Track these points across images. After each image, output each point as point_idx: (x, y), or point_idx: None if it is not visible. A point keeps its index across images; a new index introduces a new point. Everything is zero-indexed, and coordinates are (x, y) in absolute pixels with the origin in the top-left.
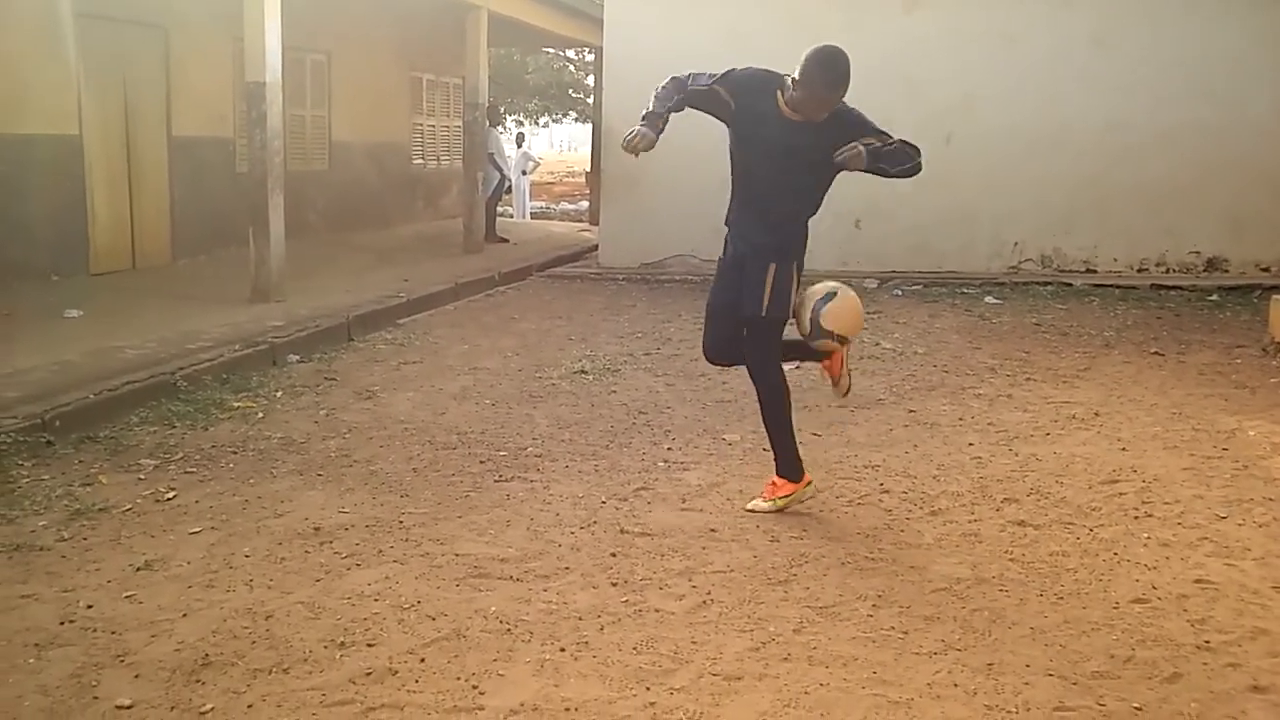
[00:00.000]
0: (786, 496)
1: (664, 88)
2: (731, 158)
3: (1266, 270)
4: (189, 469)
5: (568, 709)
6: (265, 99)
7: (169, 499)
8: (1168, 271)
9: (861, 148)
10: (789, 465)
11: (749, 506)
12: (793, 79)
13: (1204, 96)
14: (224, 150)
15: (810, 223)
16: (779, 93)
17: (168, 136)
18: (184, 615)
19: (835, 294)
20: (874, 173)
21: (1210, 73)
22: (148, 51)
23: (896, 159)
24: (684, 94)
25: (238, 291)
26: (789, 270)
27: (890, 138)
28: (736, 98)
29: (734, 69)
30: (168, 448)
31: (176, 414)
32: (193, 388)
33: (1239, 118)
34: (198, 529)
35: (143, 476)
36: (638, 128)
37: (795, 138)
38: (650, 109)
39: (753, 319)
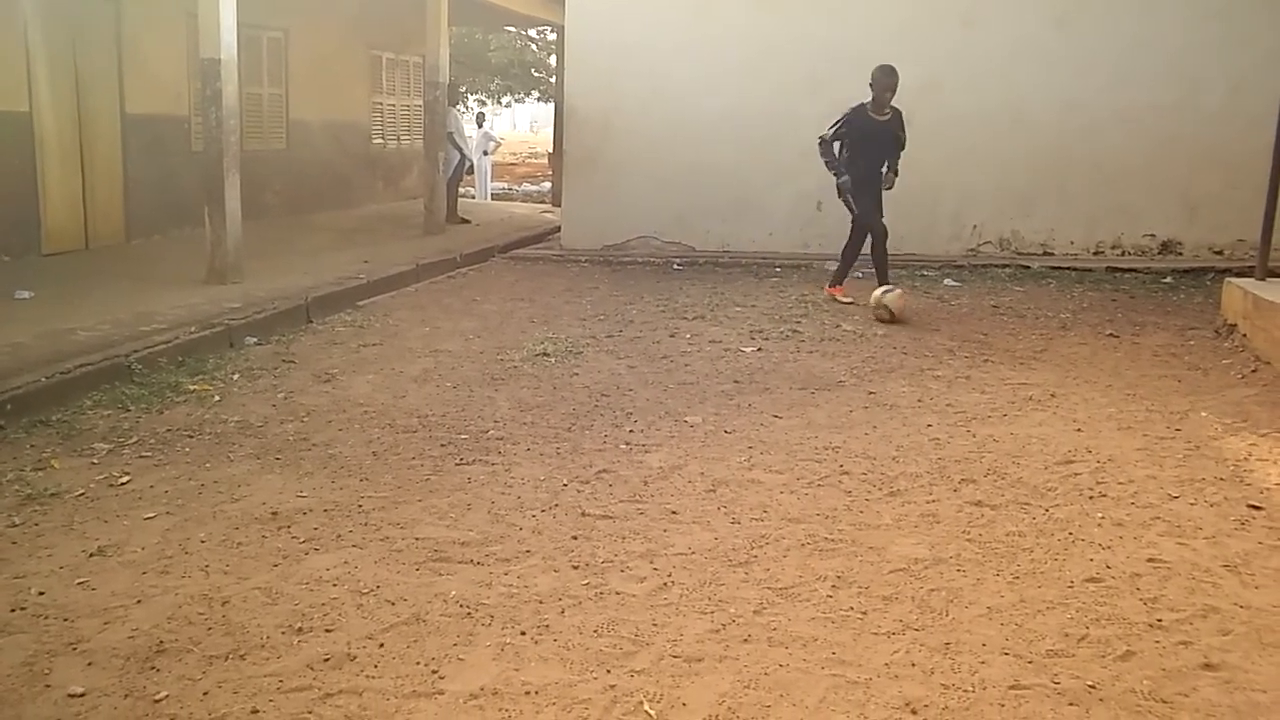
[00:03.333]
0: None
1: (828, 155)
2: (853, 151)
3: (1219, 253)
4: (143, 453)
5: (528, 692)
6: (220, 76)
7: (123, 484)
8: (1123, 254)
9: (892, 175)
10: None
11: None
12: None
13: (1162, 80)
14: (179, 128)
15: (774, 204)
16: (866, 112)
17: (121, 114)
18: (138, 602)
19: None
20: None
21: (1168, 56)
22: (99, 27)
23: (898, 161)
24: (829, 147)
25: (193, 272)
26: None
27: (904, 138)
28: (852, 128)
29: (846, 116)
30: (122, 431)
31: (131, 397)
32: (147, 370)
33: (1195, 102)
34: (152, 514)
35: (96, 461)
36: (842, 181)
37: (881, 129)
38: (837, 171)
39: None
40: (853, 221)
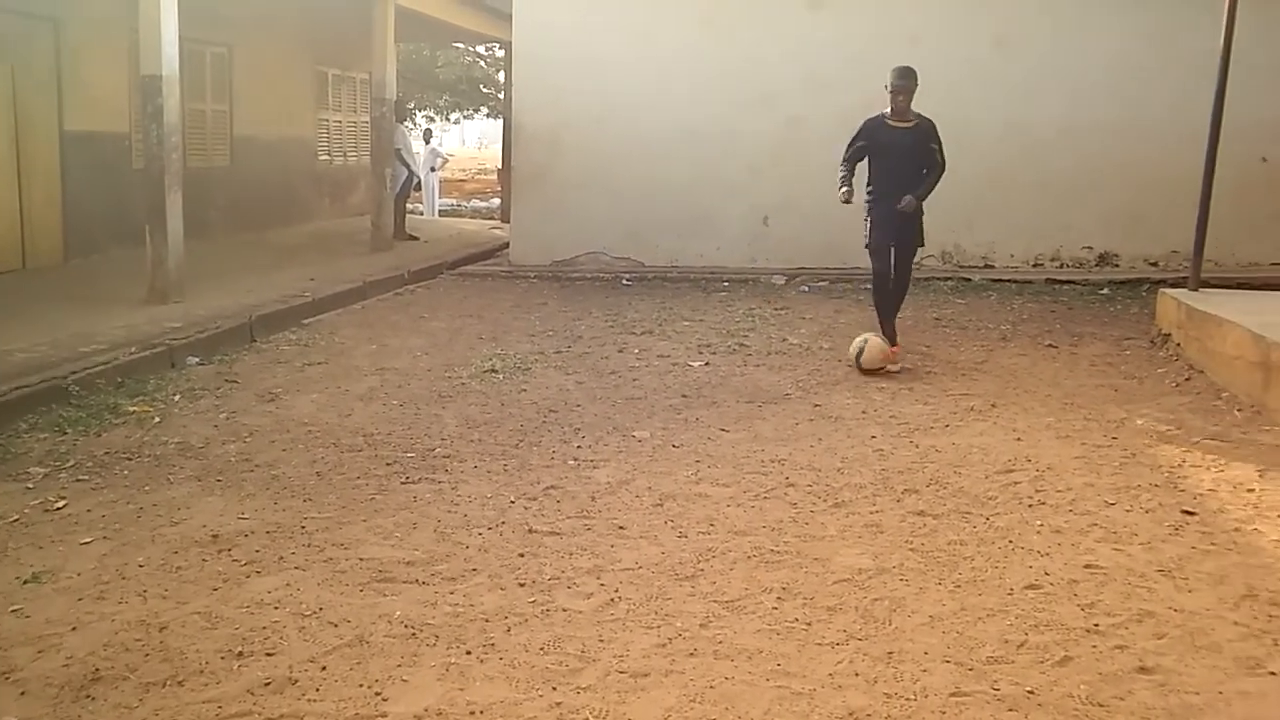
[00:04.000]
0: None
1: (841, 170)
2: (871, 163)
3: (1155, 265)
4: (81, 477)
5: (473, 712)
6: (162, 93)
7: (59, 508)
8: (1062, 266)
9: (913, 199)
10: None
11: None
12: (887, 89)
13: (1100, 97)
14: (120, 146)
15: (723, 219)
16: (884, 120)
17: (60, 131)
18: (73, 629)
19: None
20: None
21: (1106, 74)
22: (38, 44)
23: (931, 184)
24: (847, 166)
25: (134, 292)
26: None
27: (940, 151)
28: (866, 139)
29: (859, 128)
30: (58, 455)
31: (68, 420)
32: (86, 392)
33: (1132, 118)
34: (89, 539)
35: (31, 485)
36: (842, 191)
37: (901, 137)
38: (840, 181)
39: (911, 244)
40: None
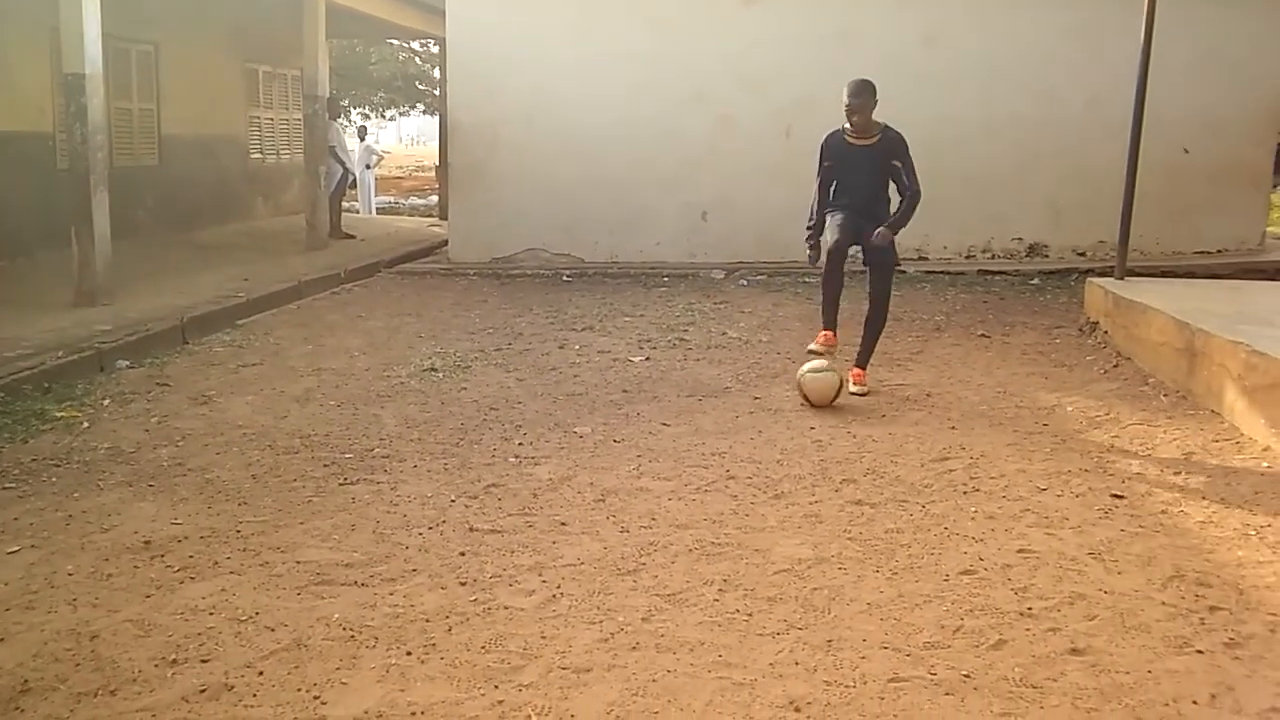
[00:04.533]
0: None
1: (811, 210)
2: (831, 180)
3: (1083, 255)
4: (7, 484)
5: (414, 713)
6: (85, 91)
7: None
8: (993, 257)
9: (888, 231)
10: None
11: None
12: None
13: (1026, 92)
14: (43, 146)
15: (661, 215)
16: (844, 136)
17: None
18: (1, 640)
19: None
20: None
21: (1030, 71)
22: None
23: (905, 213)
24: (819, 196)
25: (61, 295)
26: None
27: (909, 172)
28: (830, 157)
29: (821, 147)
30: None
31: None
32: (11, 398)
33: (1057, 112)
34: (16, 548)
35: None
36: (809, 249)
37: (862, 156)
38: (808, 228)
39: (886, 263)
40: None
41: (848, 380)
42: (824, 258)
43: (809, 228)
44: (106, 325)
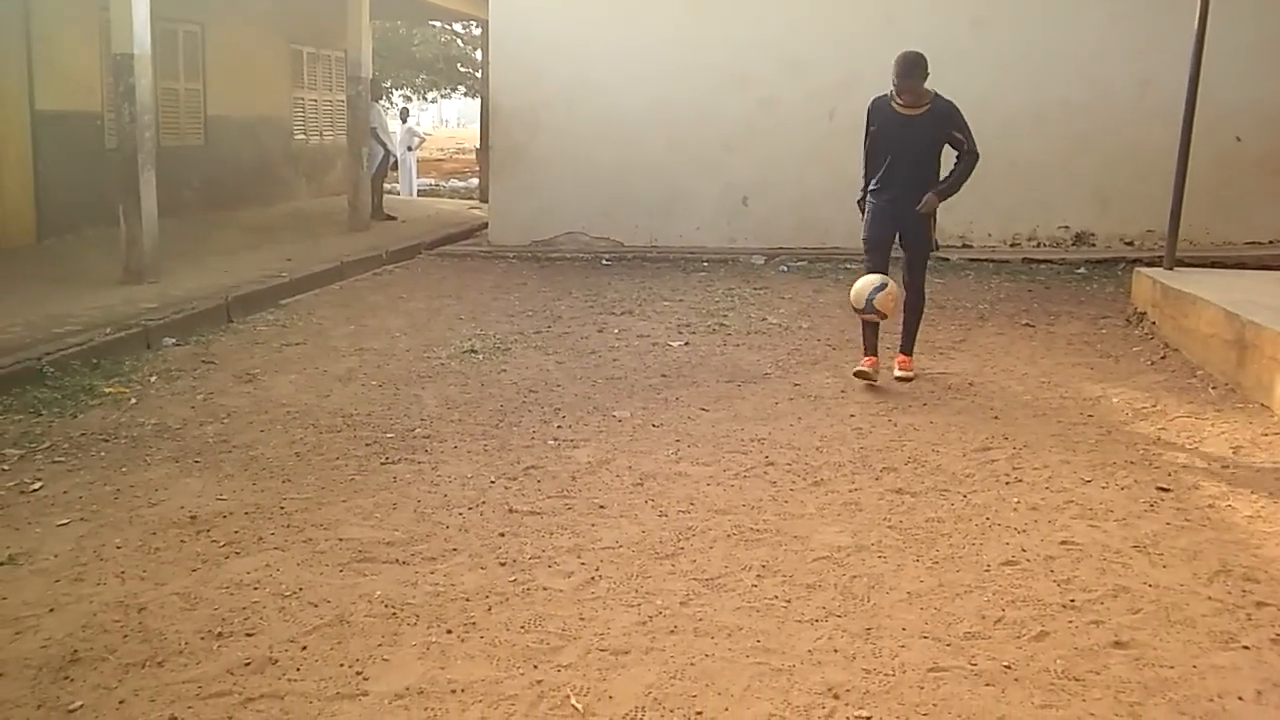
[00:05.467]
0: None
1: (864, 178)
2: (877, 150)
3: (1130, 244)
4: (56, 458)
5: (454, 690)
6: (134, 72)
7: (35, 490)
8: (1038, 246)
9: (934, 197)
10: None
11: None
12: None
13: (1074, 78)
14: (92, 125)
15: (701, 199)
16: (890, 102)
17: (31, 111)
18: (51, 610)
19: (886, 285)
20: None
21: (1080, 56)
22: (7, 22)
23: (961, 179)
24: (870, 164)
25: (109, 273)
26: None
27: (968, 138)
28: (876, 122)
29: (867, 111)
30: (34, 437)
31: (43, 401)
32: (61, 374)
33: (1104, 96)
34: (66, 520)
35: (6, 467)
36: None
37: (910, 126)
38: (861, 193)
39: (923, 249)
40: None
41: (894, 366)
42: (868, 256)
43: (860, 201)
44: (153, 303)
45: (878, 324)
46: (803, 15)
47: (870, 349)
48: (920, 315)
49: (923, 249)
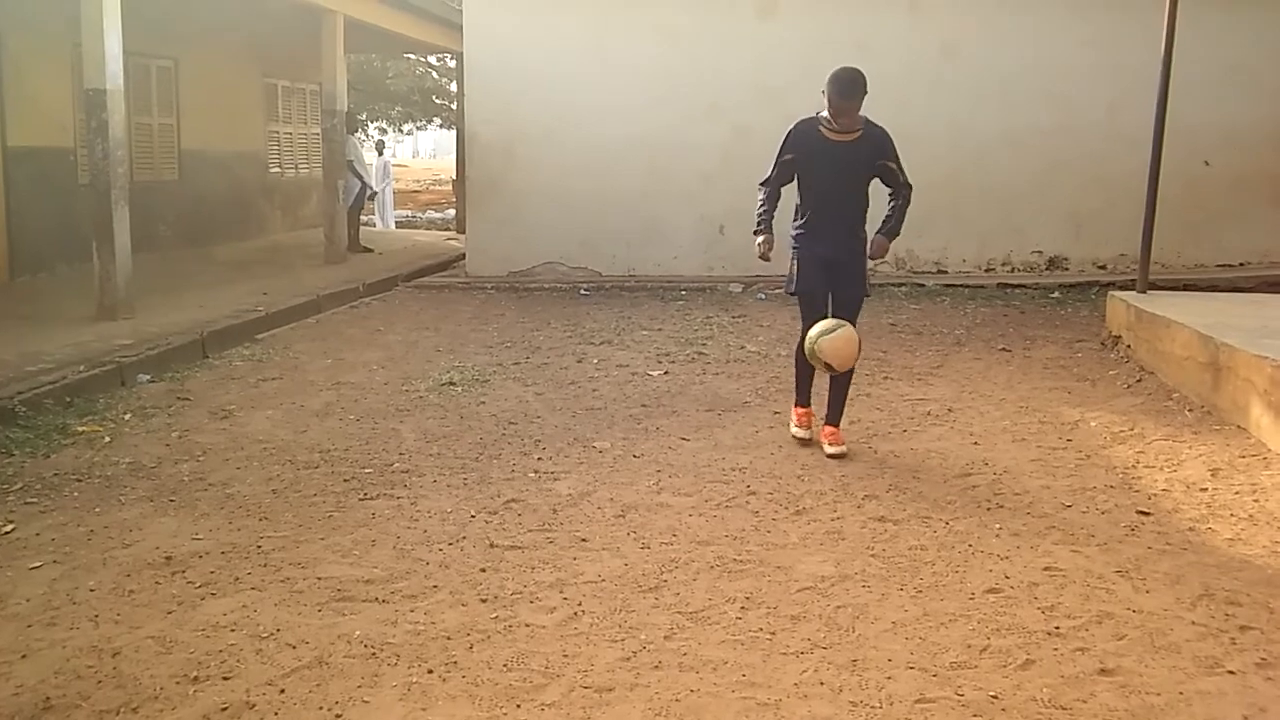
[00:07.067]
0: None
1: (759, 200)
2: (800, 184)
3: (1103, 268)
4: (29, 499)
5: None
6: (106, 107)
7: (6, 532)
8: (1013, 271)
9: (884, 240)
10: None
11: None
12: (824, 95)
13: (1045, 103)
14: (64, 161)
15: (678, 228)
16: (819, 127)
17: (2, 147)
18: (23, 656)
19: (836, 330)
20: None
21: (1049, 81)
22: None
23: (901, 213)
24: (770, 189)
25: (82, 309)
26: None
27: (901, 170)
28: (796, 150)
29: (786, 136)
30: (5, 478)
31: (15, 441)
32: (33, 413)
33: (1076, 121)
34: (38, 563)
35: None
36: (757, 243)
37: (842, 154)
38: (757, 221)
39: (856, 297)
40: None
41: (821, 441)
42: (802, 306)
43: (758, 220)
44: (127, 339)
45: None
46: (777, 45)
47: (804, 398)
48: (850, 378)
49: (857, 293)
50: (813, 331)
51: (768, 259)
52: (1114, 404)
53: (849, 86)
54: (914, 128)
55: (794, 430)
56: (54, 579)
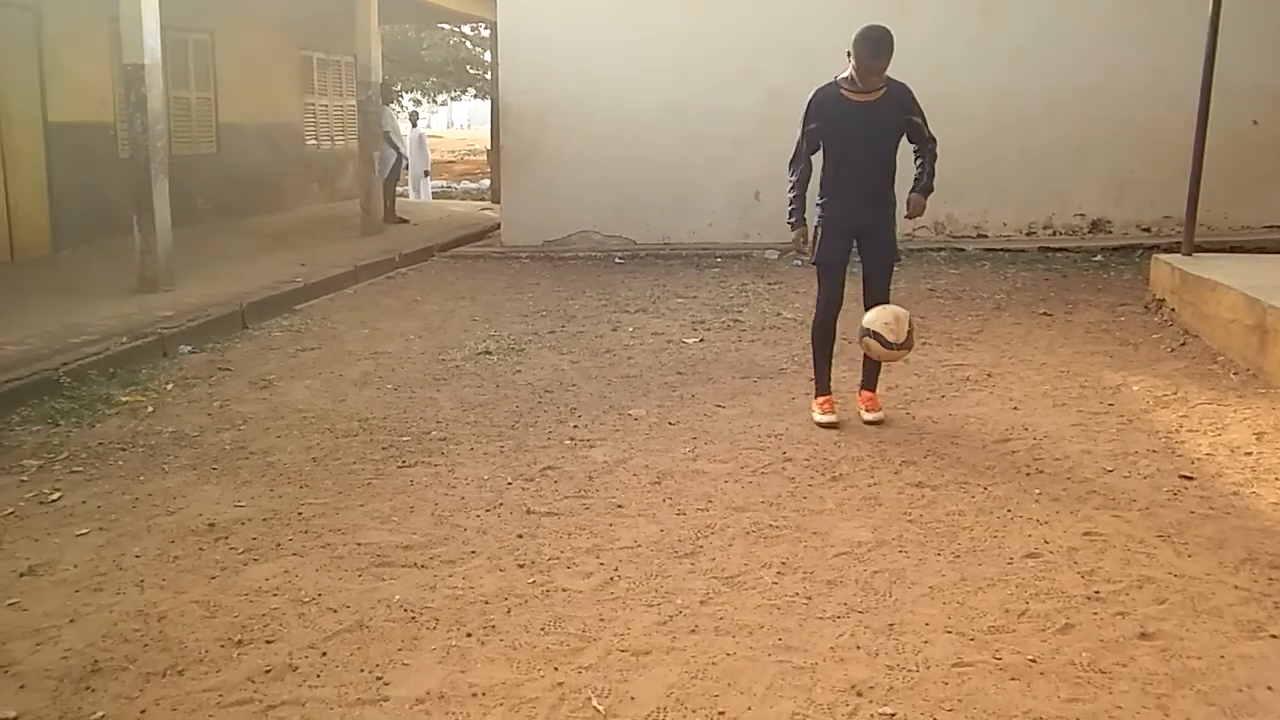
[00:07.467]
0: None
1: (790, 184)
2: (825, 152)
3: (1147, 230)
4: (75, 468)
5: (474, 694)
6: (145, 82)
7: (53, 500)
8: (1054, 234)
9: (920, 198)
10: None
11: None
12: (849, 56)
13: (1088, 63)
14: (105, 136)
15: (712, 195)
16: (839, 90)
17: (44, 123)
18: (71, 621)
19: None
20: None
21: (1092, 42)
22: (18, 35)
23: (931, 168)
24: (800, 170)
25: (124, 282)
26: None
27: (926, 124)
28: (820, 119)
29: (807, 104)
30: (52, 447)
31: (61, 411)
32: (78, 384)
33: (1120, 84)
34: (85, 530)
35: (25, 478)
36: (793, 237)
37: (864, 115)
38: (790, 212)
39: (886, 261)
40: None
41: (858, 408)
42: (821, 278)
43: (790, 212)
44: (168, 311)
45: (832, 342)
46: (810, 6)
47: (825, 385)
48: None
49: (888, 259)
50: (865, 320)
51: (805, 253)
52: (1157, 368)
53: (879, 45)
54: (953, 89)
55: (819, 417)
56: (100, 545)
